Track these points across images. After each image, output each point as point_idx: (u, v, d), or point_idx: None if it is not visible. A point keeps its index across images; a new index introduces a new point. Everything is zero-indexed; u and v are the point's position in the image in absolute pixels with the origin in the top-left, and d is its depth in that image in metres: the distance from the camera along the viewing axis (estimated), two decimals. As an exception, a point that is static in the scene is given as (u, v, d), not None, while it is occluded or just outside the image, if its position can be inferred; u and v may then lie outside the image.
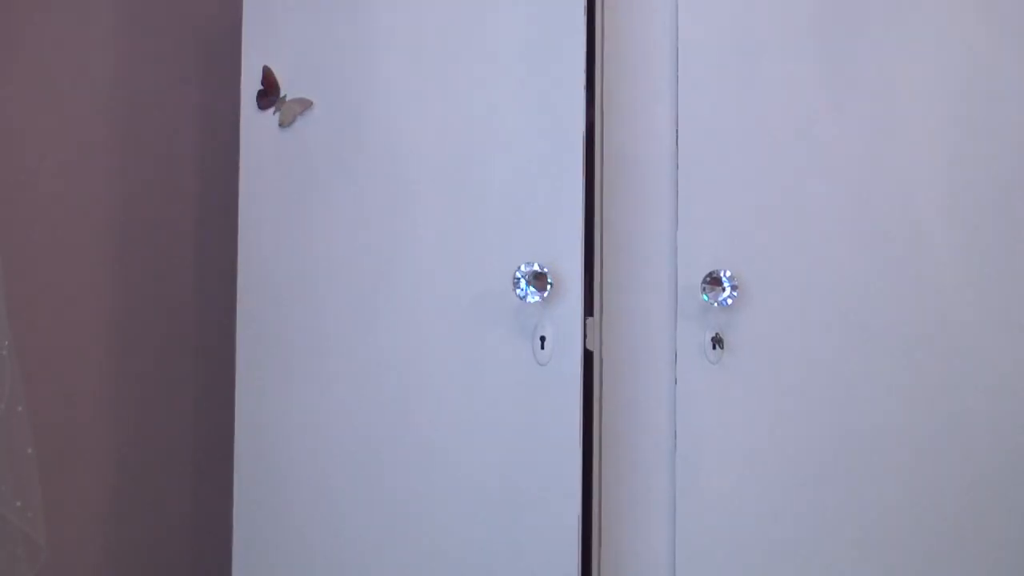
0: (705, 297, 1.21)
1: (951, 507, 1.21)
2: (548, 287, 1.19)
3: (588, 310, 1.24)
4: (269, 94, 1.32)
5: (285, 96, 1.33)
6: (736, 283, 1.20)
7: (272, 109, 1.33)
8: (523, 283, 1.19)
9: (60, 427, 1.47)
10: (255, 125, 1.34)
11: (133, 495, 1.57)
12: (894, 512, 1.21)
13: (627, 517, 1.24)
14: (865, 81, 1.23)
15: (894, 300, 1.22)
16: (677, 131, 1.24)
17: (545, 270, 1.19)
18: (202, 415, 1.62)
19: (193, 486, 1.61)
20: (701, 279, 1.21)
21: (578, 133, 1.20)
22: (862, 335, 1.22)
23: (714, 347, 1.21)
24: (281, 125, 1.33)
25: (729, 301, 1.20)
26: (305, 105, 1.32)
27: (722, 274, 1.20)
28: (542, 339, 1.20)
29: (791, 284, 1.23)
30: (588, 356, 1.25)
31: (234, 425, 1.32)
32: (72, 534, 1.49)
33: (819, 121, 1.23)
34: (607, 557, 1.24)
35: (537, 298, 1.19)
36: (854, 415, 1.22)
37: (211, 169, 1.63)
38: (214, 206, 1.61)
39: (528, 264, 1.19)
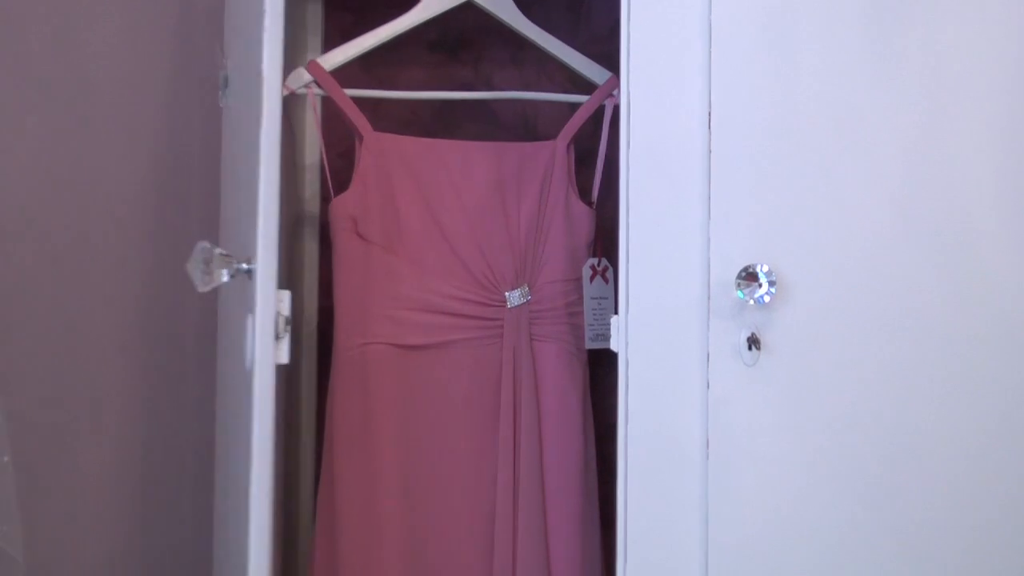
0: (740, 294, 1.18)
1: (1009, 523, 1.17)
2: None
3: (613, 307, 1.20)
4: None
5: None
6: (774, 279, 1.18)
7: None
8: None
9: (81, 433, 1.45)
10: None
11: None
12: (945, 529, 1.19)
13: (654, 531, 1.22)
14: (913, 63, 1.21)
15: (945, 298, 1.20)
16: (710, 115, 1.21)
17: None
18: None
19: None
20: (736, 274, 1.19)
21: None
22: (910, 336, 1.20)
23: (750, 348, 1.19)
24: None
25: (766, 298, 1.18)
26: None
27: (758, 269, 1.18)
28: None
29: (833, 280, 1.20)
30: (613, 357, 1.24)
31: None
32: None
33: (864, 106, 1.21)
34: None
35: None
36: (902, 422, 1.20)
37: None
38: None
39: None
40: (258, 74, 1.31)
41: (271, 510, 1.08)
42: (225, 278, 1.08)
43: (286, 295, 1.13)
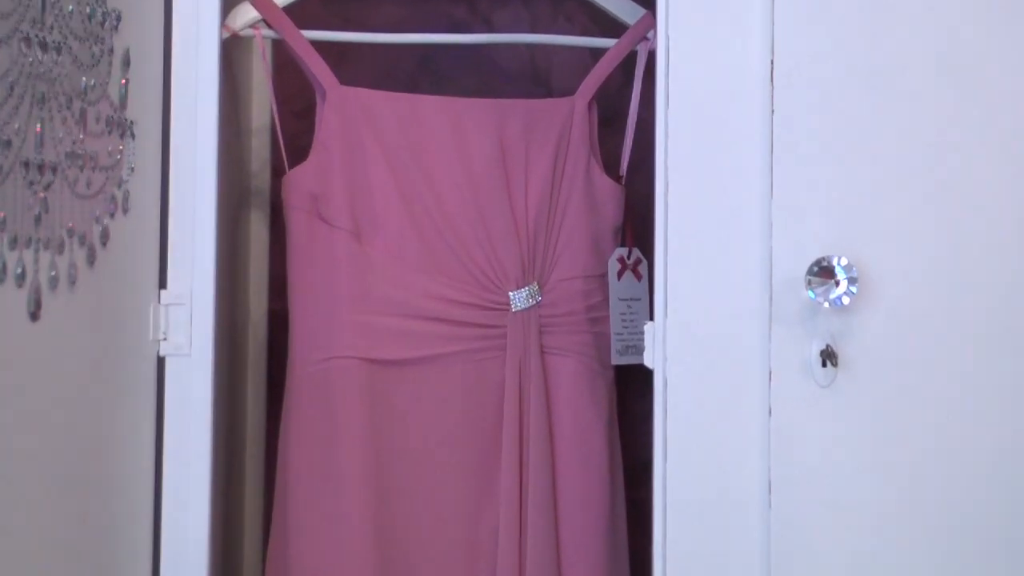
0: (812, 294, 1.18)
1: None
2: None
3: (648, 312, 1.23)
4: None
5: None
6: (855, 275, 1.18)
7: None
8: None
9: None
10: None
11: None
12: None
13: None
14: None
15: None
16: (772, 65, 1.21)
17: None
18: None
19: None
20: (806, 270, 1.19)
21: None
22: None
23: (824, 363, 1.19)
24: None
25: (845, 300, 1.18)
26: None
27: (835, 263, 1.18)
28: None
29: (931, 278, 1.21)
30: (647, 376, 1.24)
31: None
32: None
33: (983, 55, 1.21)
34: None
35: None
36: (1019, 463, 1.20)
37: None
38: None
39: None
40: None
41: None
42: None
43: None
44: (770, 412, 1.20)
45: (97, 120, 1.16)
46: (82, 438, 1.15)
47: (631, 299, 1.52)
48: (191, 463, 1.32)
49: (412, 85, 1.76)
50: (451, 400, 1.48)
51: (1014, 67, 1.21)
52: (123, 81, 1.22)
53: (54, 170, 1.06)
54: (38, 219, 1.03)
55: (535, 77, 1.80)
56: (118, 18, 1.21)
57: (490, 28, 1.79)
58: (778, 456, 1.20)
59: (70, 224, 1.09)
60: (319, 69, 1.48)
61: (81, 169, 1.11)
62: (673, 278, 1.23)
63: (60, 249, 1.07)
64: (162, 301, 1.33)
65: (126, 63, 1.22)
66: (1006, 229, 1.21)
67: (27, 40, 1.01)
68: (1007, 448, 1.20)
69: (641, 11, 1.55)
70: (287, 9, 1.49)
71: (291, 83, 1.68)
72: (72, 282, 1.09)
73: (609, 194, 1.54)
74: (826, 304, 1.18)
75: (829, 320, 1.19)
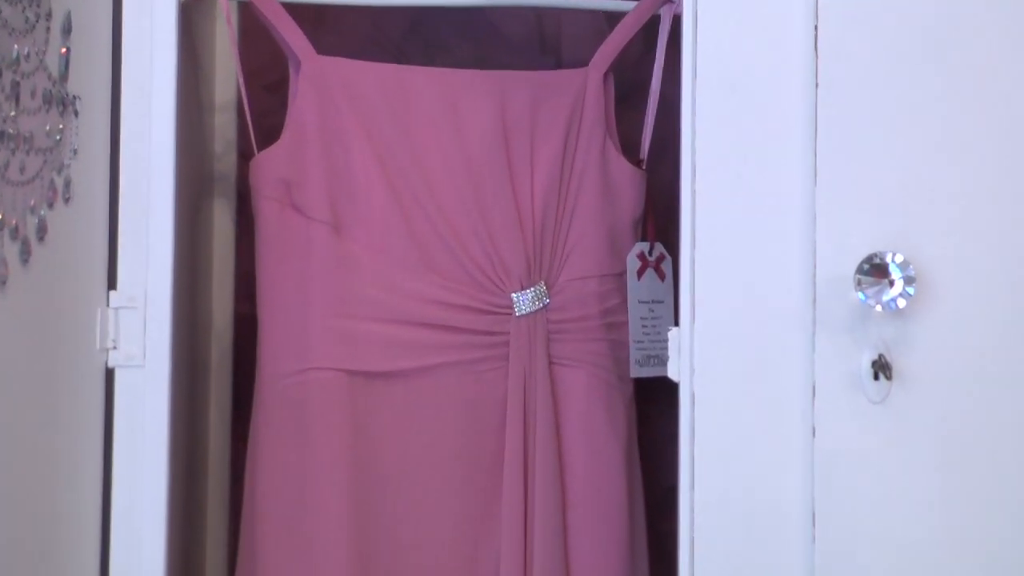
0: (862, 296, 1.18)
1: None
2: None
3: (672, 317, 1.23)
4: None
5: None
6: (912, 274, 1.18)
7: None
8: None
9: None
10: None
11: None
12: None
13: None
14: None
15: None
16: (816, 32, 1.22)
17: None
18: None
19: None
20: (855, 268, 1.18)
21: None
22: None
23: (876, 376, 1.19)
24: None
25: (900, 302, 1.17)
26: None
27: (889, 260, 1.18)
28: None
29: (1003, 277, 1.21)
30: (672, 390, 1.24)
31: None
32: None
33: None
34: None
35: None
36: None
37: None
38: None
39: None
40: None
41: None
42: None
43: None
44: (813, 432, 1.20)
45: (32, 94, 1.15)
46: (15, 465, 1.14)
47: (653, 301, 1.52)
48: (145, 492, 1.32)
49: (400, 55, 1.76)
50: (445, 419, 1.48)
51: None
52: (63, 50, 1.22)
53: (-21, 152, 1.05)
54: (-40, 209, 1.02)
55: (542, 45, 1.80)
56: (56, -23, 1.21)
57: (491, -12, 1.79)
58: (823, 483, 1.20)
59: (-1, 215, 1.09)
60: (293, 36, 1.48)
61: (13, 151, 1.10)
62: (701, 277, 1.23)
63: (-13, 244, 1.07)
64: (111, 304, 1.33)
65: (66, 29, 1.22)
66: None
67: (-56, 2, 1.01)
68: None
69: (665, -31, 1.56)
70: (256, -33, 1.49)
71: (261, 52, 1.69)
72: (2, 283, 1.09)
73: (628, 180, 1.54)
74: (878, 307, 1.17)
75: (882, 326, 1.20)
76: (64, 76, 1.22)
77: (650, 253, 1.53)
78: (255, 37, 1.65)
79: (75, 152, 1.25)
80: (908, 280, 1.17)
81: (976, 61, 1.21)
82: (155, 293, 1.33)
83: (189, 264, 1.56)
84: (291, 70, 1.50)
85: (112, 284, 1.33)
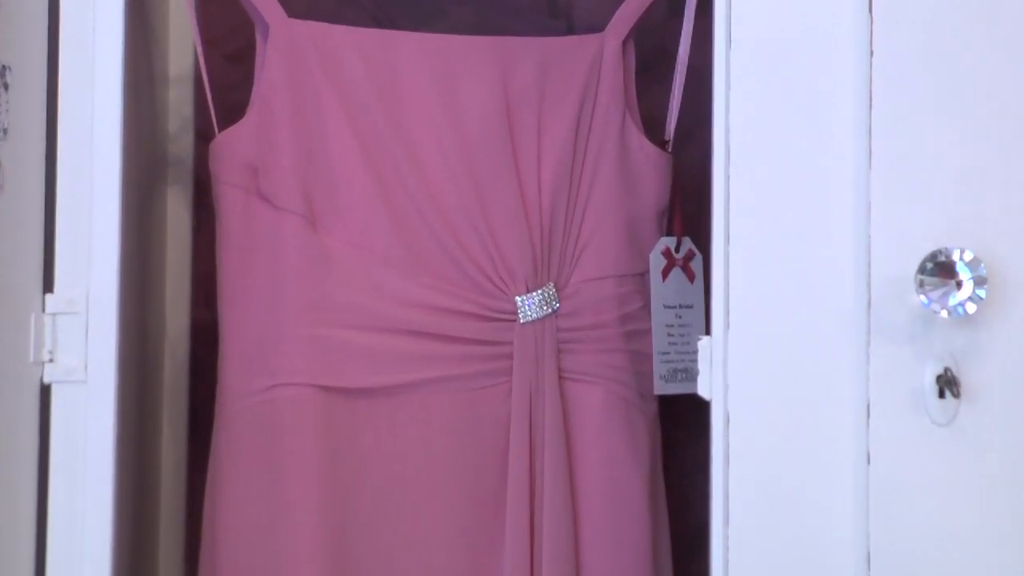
0: (925, 300, 1.18)
1: None
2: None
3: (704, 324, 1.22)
4: None
5: None
6: (983, 273, 1.17)
7: None
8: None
9: None
10: None
11: None
12: None
13: None
14: None
15: None
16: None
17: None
18: None
19: None
20: (917, 267, 1.18)
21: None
22: None
23: (941, 393, 1.19)
24: None
25: (969, 307, 1.17)
26: None
27: (956, 258, 1.18)
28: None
29: None
30: (701, 409, 1.25)
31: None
32: None
33: None
34: None
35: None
36: None
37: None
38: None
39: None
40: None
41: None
42: None
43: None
44: (868, 459, 1.20)
45: (-52, 64, 1.16)
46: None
47: (680, 306, 1.53)
48: (86, 531, 1.31)
49: (386, 19, 1.76)
50: (437, 444, 1.48)
51: None
52: (-13, 12, 1.22)
53: None
54: None
55: (552, 8, 1.81)
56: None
57: (491, -59, 1.80)
58: (880, 519, 1.20)
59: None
60: None
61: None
62: (737, 278, 1.23)
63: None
64: (47, 309, 1.32)
65: (-10, -13, 1.23)
66: None
67: None
68: None
69: (692, -80, 1.56)
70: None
71: (222, 17, 1.69)
72: None
73: (651, 165, 1.55)
74: (944, 313, 1.17)
75: (948, 335, 1.20)
76: (-10, 43, 1.23)
77: (677, 249, 1.53)
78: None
79: (5, 132, 1.25)
80: (979, 281, 1.16)
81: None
82: (99, 296, 1.33)
83: (139, 263, 1.57)
84: (258, 36, 1.51)
85: (49, 286, 1.33)
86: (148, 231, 1.65)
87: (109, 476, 1.32)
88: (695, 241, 1.53)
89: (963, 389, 1.19)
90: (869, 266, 1.21)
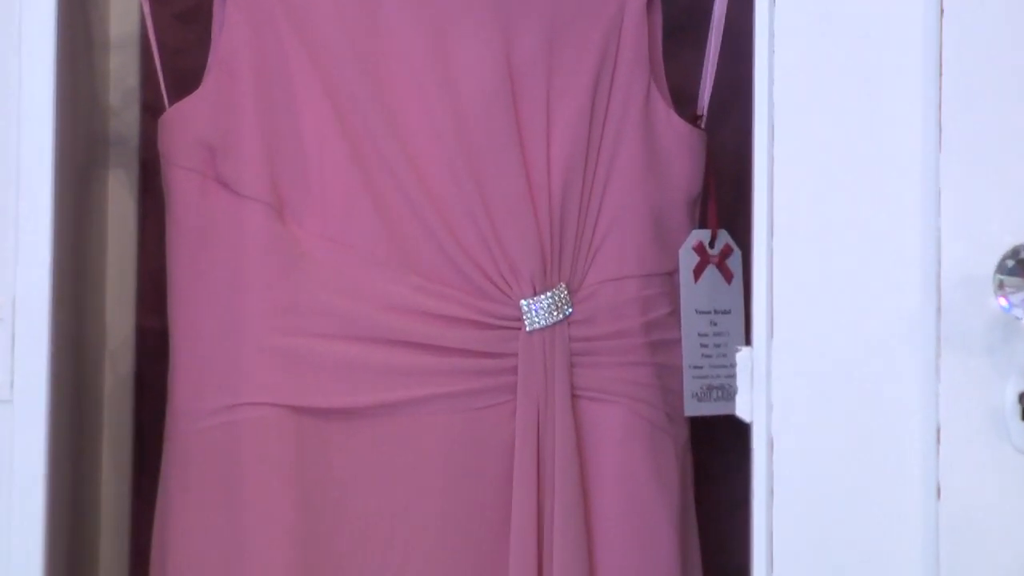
0: (1004, 305, 1.18)
1: None
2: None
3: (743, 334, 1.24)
4: None
5: None
6: None
7: None
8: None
9: None
10: None
11: None
12: None
13: None
14: None
15: None
16: None
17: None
18: None
19: None
20: (995, 266, 1.18)
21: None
22: None
23: None
24: None
25: None
26: None
27: None
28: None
29: None
30: (743, 431, 1.25)
31: None
32: None
33: None
34: None
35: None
36: None
37: None
38: None
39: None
40: None
41: None
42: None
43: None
44: (938, 492, 1.20)
45: None
46: None
47: (716, 312, 1.53)
48: (12, 565, 1.32)
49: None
50: (429, 472, 1.49)
51: None
52: None
53: None
54: None
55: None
56: None
57: None
58: (952, 559, 1.20)
59: None
60: None
61: None
62: (782, 278, 1.23)
63: None
64: (-33, 317, 1.33)
65: None
66: None
67: None
68: None
69: None
70: None
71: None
72: None
73: (681, 143, 1.55)
74: (1028, 320, 1.18)
75: (1034, 347, 1.20)
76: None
77: (712, 245, 1.53)
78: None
79: (-85, 107, 1.26)
80: (1069, 282, 1.17)
81: None
82: (27, 302, 1.33)
83: (75, 261, 1.57)
84: (214, -7, 1.51)
85: (-32, 290, 1.33)
86: (86, 223, 1.66)
87: (39, 510, 1.32)
88: (733, 235, 1.53)
89: (1051, 410, 1.20)
90: (939, 265, 1.21)
